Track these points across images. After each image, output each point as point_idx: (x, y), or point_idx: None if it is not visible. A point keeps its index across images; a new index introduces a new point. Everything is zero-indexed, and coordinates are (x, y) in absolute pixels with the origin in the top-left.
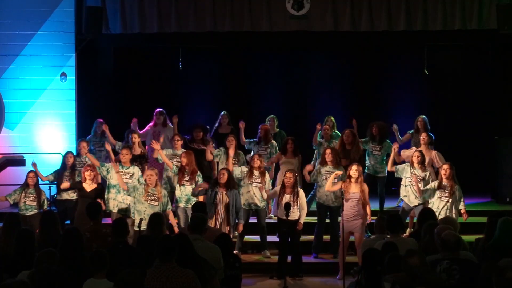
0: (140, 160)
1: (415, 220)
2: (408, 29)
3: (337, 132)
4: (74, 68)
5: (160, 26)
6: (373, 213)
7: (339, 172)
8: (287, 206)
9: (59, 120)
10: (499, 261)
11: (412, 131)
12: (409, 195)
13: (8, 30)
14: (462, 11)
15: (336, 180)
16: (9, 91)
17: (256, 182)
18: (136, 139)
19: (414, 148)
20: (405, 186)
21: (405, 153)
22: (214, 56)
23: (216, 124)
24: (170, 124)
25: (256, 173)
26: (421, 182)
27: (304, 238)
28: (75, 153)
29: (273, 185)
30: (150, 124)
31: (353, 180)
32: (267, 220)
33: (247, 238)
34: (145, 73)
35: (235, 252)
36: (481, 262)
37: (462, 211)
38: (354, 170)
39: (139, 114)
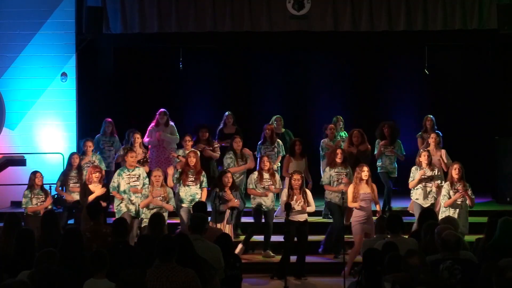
0: (142, 160)
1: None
2: (408, 29)
3: (345, 132)
4: (75, 68)
5: (160, 26)
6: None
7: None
8: (287, 206)
9: (60, 120)
10: (499, 261)
11: (420, 133)
12: (420, 197)
13: (8, 30)
14: (462, 11)
15: (341, 180)
16: (10, 91)
17: (268, 185)
18: (138, 139)
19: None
20: (416, 189)
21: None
22: (214, 56)
23: (221, 125)
24: (172, 123)
25: (266, 175)
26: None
27: (310, 238)
28: (75, 153)
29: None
30: (152, 125)
31: (363, 181)
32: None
33: (253, 238)
34: (145, 73)
35: (239, 248)
36: (481, 262)
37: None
38: (365, 172)
39: (139, 114)
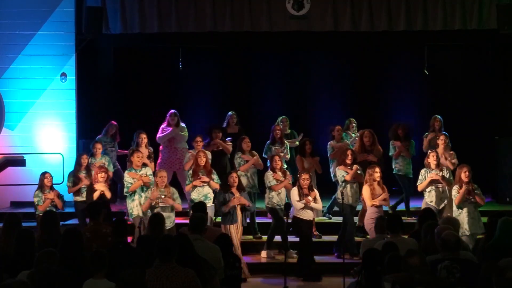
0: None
1: None
2: (408, 29)
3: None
4: (74, 68)
5: (160, 26)
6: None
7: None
8: (287, 206)
9: (59, 120)
10: (499, 261)
11: (427, 133)
12: (434, 199)
13: (8, 30)
14: (462, 11)
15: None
16: (9, 91)
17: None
18: (144, 139)
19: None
20: (429, 191)
21: None
22: (214, 56)
23: (224, 125)
24: (183, 124)
25: (279, 174)
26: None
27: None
28: (76, 154)
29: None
30: (163, 126)
31: (376, 182)
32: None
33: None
34: (145, 73)
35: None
36: (481, 262)
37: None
38: (378, 173)
39: (139, 114)
